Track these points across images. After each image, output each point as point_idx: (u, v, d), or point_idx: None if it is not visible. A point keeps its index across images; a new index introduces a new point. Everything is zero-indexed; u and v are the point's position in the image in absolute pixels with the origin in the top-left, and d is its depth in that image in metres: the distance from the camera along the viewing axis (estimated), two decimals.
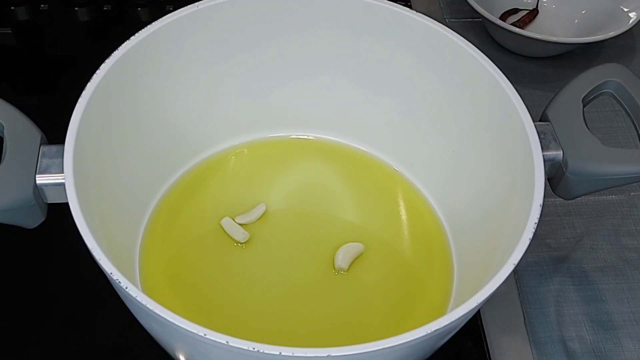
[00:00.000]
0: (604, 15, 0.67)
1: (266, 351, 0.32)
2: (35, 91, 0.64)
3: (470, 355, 0.48)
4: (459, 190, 0.49)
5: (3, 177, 0.38)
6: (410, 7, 0.51)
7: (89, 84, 0.41)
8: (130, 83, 0.44)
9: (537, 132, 0.41)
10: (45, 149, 0.40)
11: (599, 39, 0.63)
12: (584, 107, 0.44)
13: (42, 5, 0.70)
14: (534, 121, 0.41)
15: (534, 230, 0.37)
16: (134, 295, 0.33)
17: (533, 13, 0.70)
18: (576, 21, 0.69)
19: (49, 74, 0.65)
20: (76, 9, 0.70)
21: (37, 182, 0.39)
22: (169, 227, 0.49)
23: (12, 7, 0.69)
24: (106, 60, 0.42)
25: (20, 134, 0.40)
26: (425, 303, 0.47)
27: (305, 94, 0.52)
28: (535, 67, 0.67)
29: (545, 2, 0.71)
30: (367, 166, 0.53)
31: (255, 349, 0.32)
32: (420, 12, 0.46)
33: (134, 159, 0.47)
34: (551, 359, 0.48)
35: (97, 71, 0.42)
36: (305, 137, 0.54)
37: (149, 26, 0.44)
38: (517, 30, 0.63)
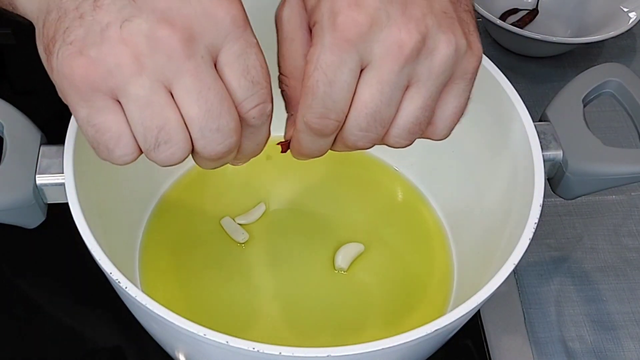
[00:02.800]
0: (604, 15, 0.67)
1: (266, 351, 0.32)
2: (35, 91, 0.64)
3: (470, 355, 0.48)
4: (458, 190, 0.49)
5: (3, 177, 0.38)
6: None
7: None
8: None
9: (537, 132, 0.41)
10: (45, 149, 0.39)
11: (599, 39, 0.63)
12: (584, 106, 0.44)
13: None
14: (534, 121, 0.41)
15: (534, 230, 0.37)
16: (134, 295, 0.33)
17: (533, 13, 0.70)
18: (576, 21, 0.69)
19: (49, 74, 0.65)
20: None
21: (37, 182, 0.39)
22: (169, 227, 0.49)
23: None
24: None
25: (20, 134, 0.40)
26: (425, 303, 0.47)
27: None
28: (535, 67, 0.67)
29: (545, 2, 0.71)
30: (367, 166, 0.53)
31: (255, 349, 0.32)
32: None
33: None
34: (551, 359, 0.48)
35: None
36: None
37: None
38: (517, 30, 0.63)
